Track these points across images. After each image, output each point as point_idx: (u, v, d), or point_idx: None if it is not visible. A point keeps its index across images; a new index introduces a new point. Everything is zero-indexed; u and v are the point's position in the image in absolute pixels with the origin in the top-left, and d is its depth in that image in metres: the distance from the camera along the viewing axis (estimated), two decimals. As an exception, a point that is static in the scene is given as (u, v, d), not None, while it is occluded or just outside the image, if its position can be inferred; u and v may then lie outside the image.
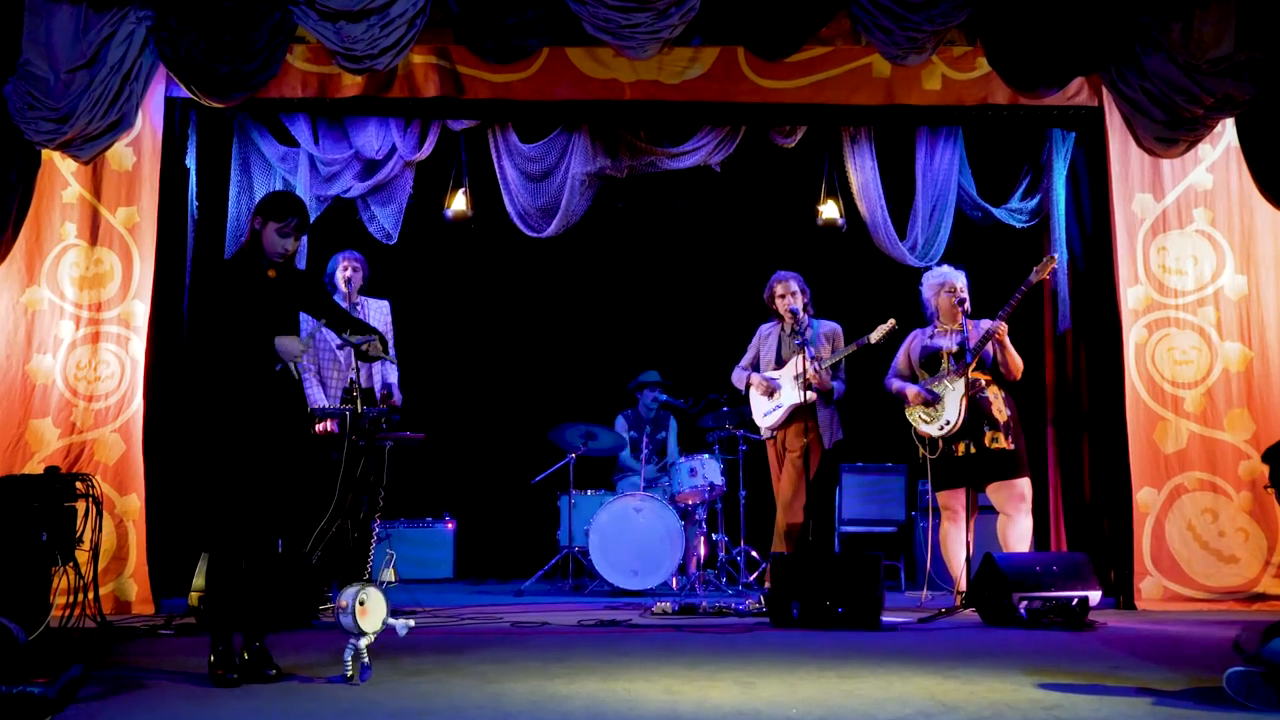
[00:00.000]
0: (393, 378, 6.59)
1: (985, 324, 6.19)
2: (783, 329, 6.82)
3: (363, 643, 3.84)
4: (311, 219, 6.94)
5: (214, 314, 4.02)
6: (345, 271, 6.53)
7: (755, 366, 6.95)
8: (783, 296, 6.74)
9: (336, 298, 6.34)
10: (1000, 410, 6.05)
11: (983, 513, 6.24)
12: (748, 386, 6.89)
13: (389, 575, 3.97)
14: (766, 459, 6.95)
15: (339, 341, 4.32)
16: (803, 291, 6.75)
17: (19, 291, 6.27)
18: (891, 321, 6.48)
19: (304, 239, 6.50)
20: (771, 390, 6.71)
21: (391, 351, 6.49)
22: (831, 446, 6.71)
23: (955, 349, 6.02)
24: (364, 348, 4.20)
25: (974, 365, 6.00)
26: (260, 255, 4.07)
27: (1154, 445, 6.35)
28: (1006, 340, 6.01)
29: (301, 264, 6.88)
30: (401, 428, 6.18)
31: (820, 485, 7.47)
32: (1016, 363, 6.07)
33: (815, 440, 6.53)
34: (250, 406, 3.98)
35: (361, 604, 3.83)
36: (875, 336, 6.50)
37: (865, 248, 7.31)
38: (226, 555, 3.98)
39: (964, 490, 5.99)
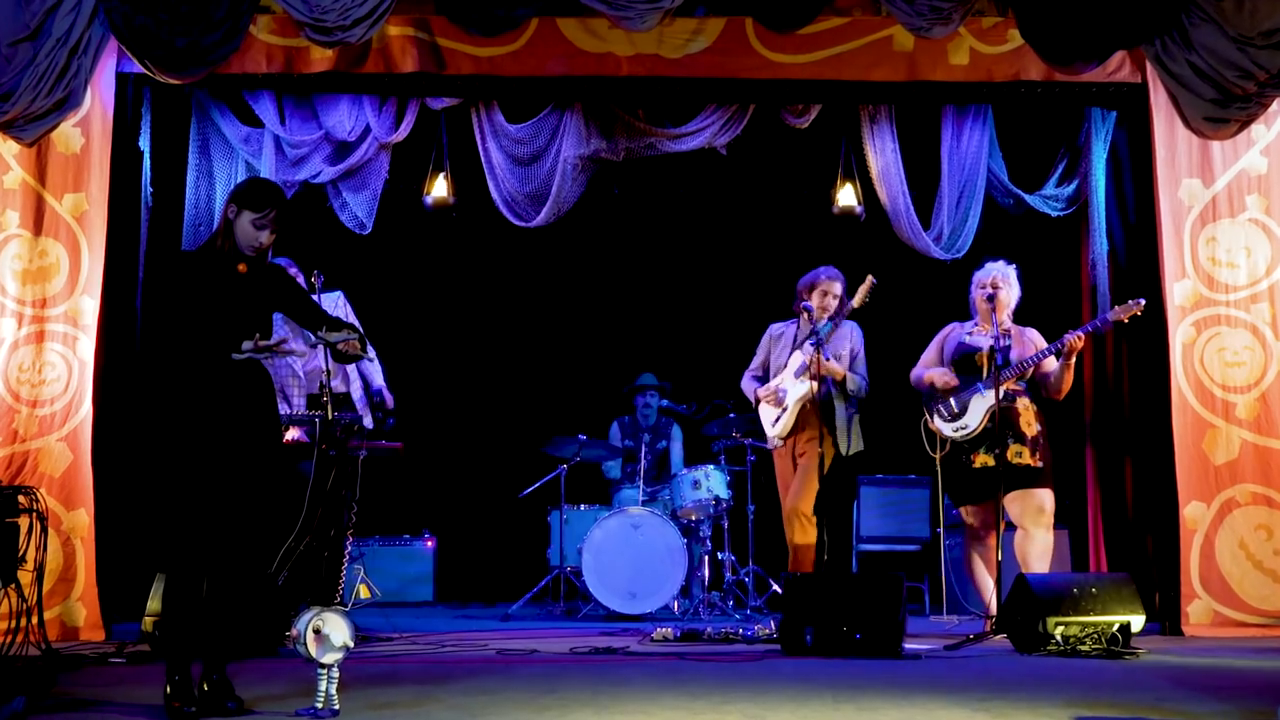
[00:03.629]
0: (378, 379, 6.57)
1: (1031, 332, 6.19)
2: (799, 329, 6.76)
3: (324, 683, 3.81)
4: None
5: (176, 310, 4.01)
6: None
7: (765, 371, 6.88)
8: (825, 295, 6.63)
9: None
10: (1029, 424, 6.03)
11: (1010, 529, 6.23)
12: (758, 401, 6.82)
13: (364, 593, 3.95)
14: (774, 472, 6.85)
15: (314, 340, 4.29)
16: (843, 297, 6.65)
17: (-45, 286, 6.27)
18: (870, 279, 6.40)
19: None
20: (780, 399, 6.64)
21: (370, 349, 6.48)
22: (850, 454, 6.58)
23: (1000, 350, 5.97)
24: (341, 346, 4.18)
25: (1016, 378, 6.00)
26: (232, 247, 4.07)
27: (1203, 455, 6.35)
28: (1074, 358, 5.97)
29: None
30: (377, 436, 6.18)
31: (837, 498, 7.46)
32: (1069, 383, 6.05)
33: (830, 446, 6.44)
34: (215, 411, 3.97)
35: (316, 632, 3.80)
36: (857, 300, 6.41)
37: (885, 238, 7.31)
38: (185, 575, 3.98)
39: (988, 505, 5.98)
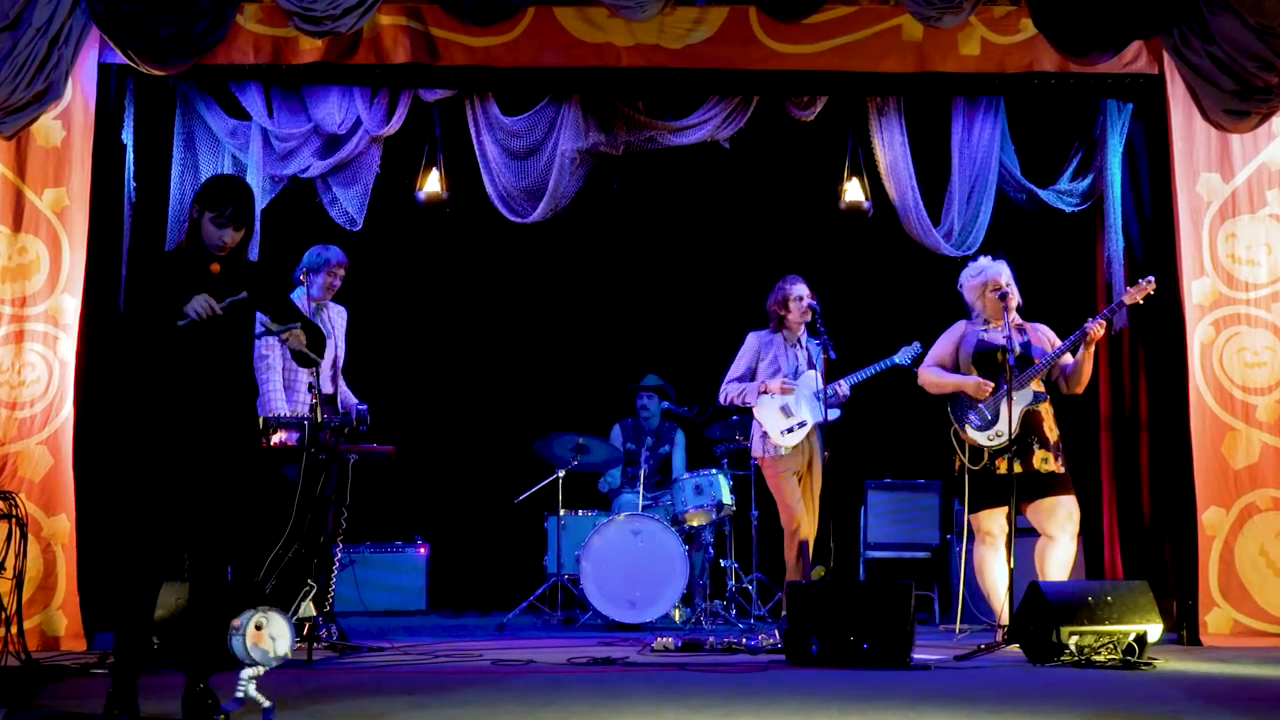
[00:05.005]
0: (345, 387, 6.54)
1: (1041, 328, 6.20)
2: (786, 338, 6.99)
3: (246, 673, 3.79)
4: (266, 201, 6.96)
5: (141, 313, 4.03)
6: (336, 281, 6.42)
7: (752, 379, 7.02)
8: (799, 299, 6.91)
9: (299, 296, 6.30)
10: (1051, 428, 6.05)
11: (1022, 535, 6.24)
12: (754, 392, 6.95)
13: (308, 609, 3.91)
14: (768, 478, 7.02)
15: (258, 331, 4.27)
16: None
17: (-68, 285, 6.27)
18: (916, 345, 6.98)
19: (256, 227, 6.48)
20: (798, 414, 6.81)
21: (339, 353, 6.44)
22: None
23: (1017, 351, 5.97)
24: (283, 337, 4.17)
25: (1043, 374, 6.01)
26: (200, 248, 4.10)
27: (1222, 459, 6.35)
28: (1093, 347, 6.00)
29: (254, 253, 6.87)
30: (368, 440, 6.18)
31: (843, 505, 7.51)
32: (1088, 374, 6.08)
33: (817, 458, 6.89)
34: (182, 416, 3.98)
35: (258, 628, 3.77)
36: (902, 359, 7.02)
37: (894, 234, 7.32)
38: (136, 578, 4.00)
39: (1003, 510, 5.98)
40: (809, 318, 6.87)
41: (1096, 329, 5.92)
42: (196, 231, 4.10)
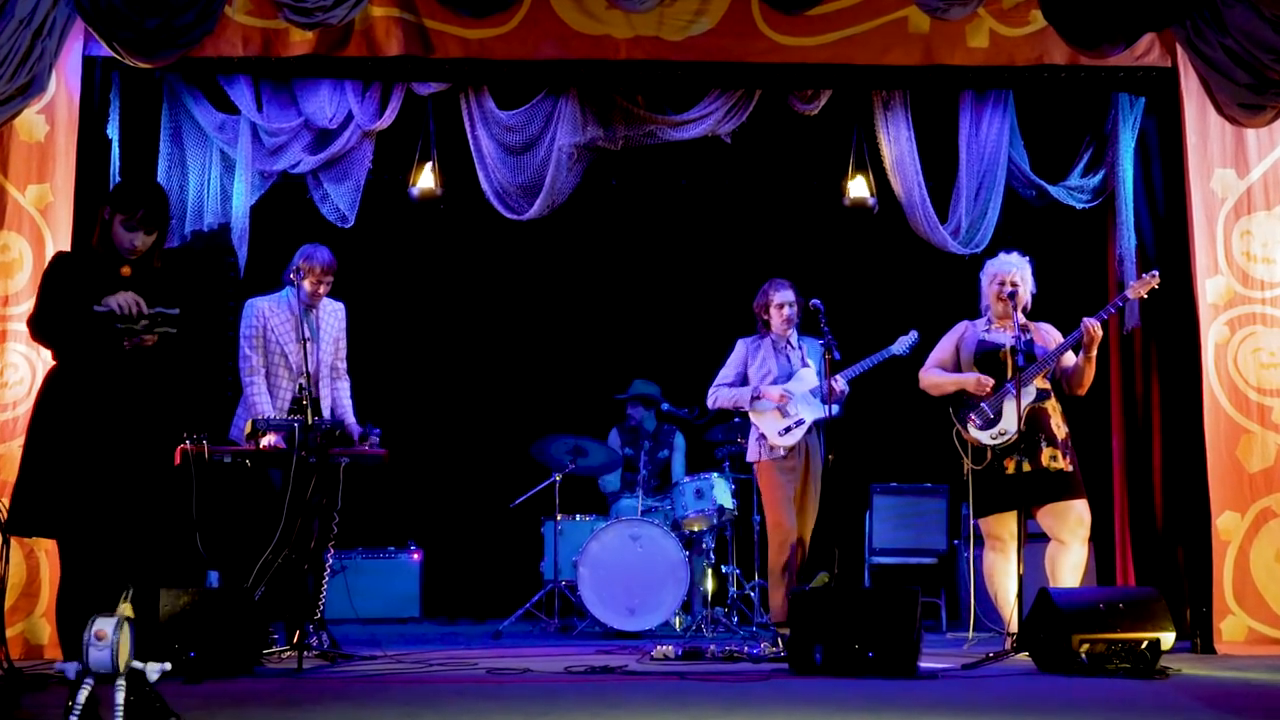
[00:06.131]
0: (346, 399, 6.41)
1: (1045, 327, 6.21)
2: (774, 340, 7.06)
3: (83, 695, 3.67)
4: (255, 197, 6.95)
5: (47, 313, 4.04)
6: (320, 286, 6.30)
7: (744, 384, 7.07)
8: (783, 307, 7.01)
9: (287, 295, 6.26)
10: (1058, 425, 6.06)
11: (1032, 540, 6.24)
12: (752, 399, 6.97)
13: (125, 610, 3.80)
14: (765, 483, 7.01)
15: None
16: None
17: (-88, 284, 6.26)
18: (914, 334, 7.00)
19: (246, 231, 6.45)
20: (794, 415, 6.83)
21: (322, 355, 6.31)
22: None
23: (1022, 349, 5.98)
24: (145, 338, 4.11)
25: (1044, 374, 6.02)
26: (111, 250, 4.10)
27: (1237, 462, 6.35)
28: (1095, 347, 6.01)
29: (243, 250, 6.86)
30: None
31: (848, 509, 7.51)
32: (1091, 376, 6.09)
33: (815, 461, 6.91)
34: (82, 417, 3.99)
35: (99, 638, 3.64)
36: (900, 349, 7.01)
37: (900, 231, 7.31)
38: (65, 579, 4.00)
39: (1012, 515, 5.98)
40: (793, 325, 7.02)
41: (1094, 327, 5.91)
42: (108, 234, 4.11)
